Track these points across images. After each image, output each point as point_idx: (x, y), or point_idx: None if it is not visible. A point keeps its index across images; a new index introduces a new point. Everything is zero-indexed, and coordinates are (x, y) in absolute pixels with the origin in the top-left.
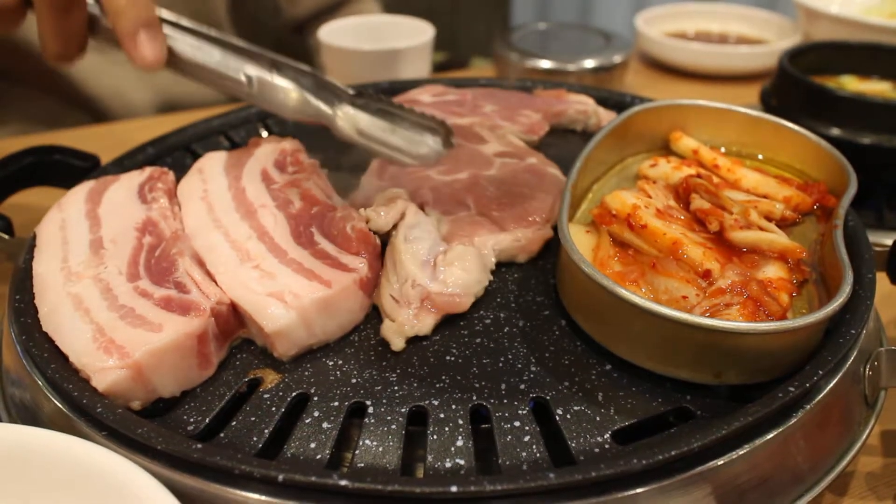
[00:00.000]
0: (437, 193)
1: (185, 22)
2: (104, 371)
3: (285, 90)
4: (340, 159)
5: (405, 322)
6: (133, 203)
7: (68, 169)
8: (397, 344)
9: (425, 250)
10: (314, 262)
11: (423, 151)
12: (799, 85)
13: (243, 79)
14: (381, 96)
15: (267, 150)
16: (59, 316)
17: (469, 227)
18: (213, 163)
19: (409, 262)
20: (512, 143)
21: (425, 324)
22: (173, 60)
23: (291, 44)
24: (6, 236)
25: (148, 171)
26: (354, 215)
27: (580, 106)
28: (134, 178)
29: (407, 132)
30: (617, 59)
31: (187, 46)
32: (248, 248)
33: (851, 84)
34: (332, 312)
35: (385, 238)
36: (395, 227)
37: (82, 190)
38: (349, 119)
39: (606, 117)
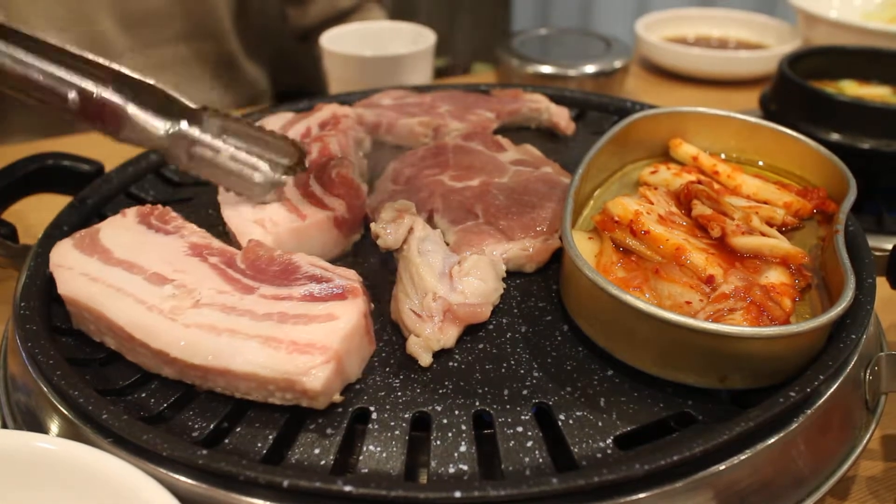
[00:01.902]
0: (447, 201)
1: (19, 28)
2: (315, 369)
3: (110, 108)
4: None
5: (431, 337)
6: (158, 238)
7: (72, 175)
8: (425, 359)
9: (440, 262)
10: (300, 199)
11: (255, 182)
12: (798, 90)
13: (69, 94)
14: (231, 115)
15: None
16: (205, 345)
17: (476, 236)
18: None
19: (428, 275)
20: (529, 151)
21: (450, 336)
22: None
23: (296, 51)
24: (10, 243)
25: (135, 210)
26: (345, 163)
27: (533, 104)
28: (128, 220)
29: (243, 159)
30: (617, 64)
31: (6, 59)
32: None
33: (851, 89)
34: (303, 241)
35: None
36: (404, 241)
37: (67, 248)
38: (180, 140)
39: (558, 113)
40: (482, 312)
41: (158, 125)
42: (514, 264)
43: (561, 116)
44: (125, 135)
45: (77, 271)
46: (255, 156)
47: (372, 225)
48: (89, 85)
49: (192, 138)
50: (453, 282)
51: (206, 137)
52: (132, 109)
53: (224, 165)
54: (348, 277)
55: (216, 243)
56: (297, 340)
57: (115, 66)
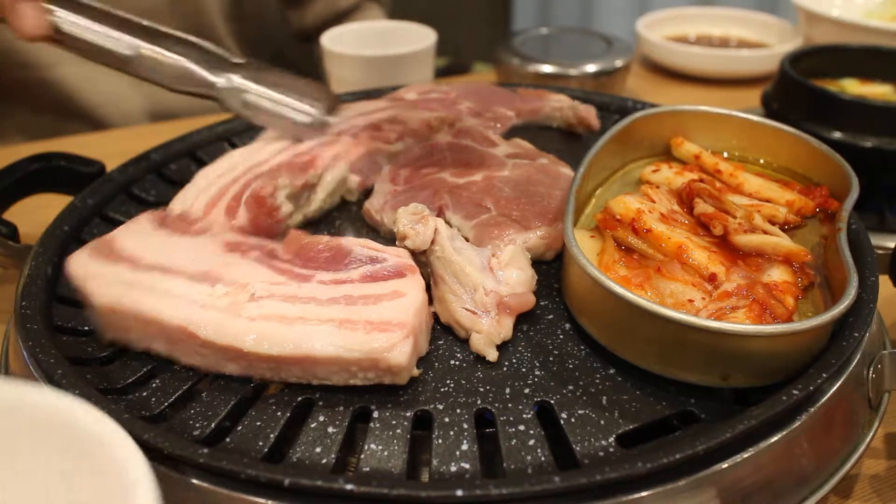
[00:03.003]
0: (455, 197)
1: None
2: (399, 345)
3: (168, 63)
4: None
5: (492, 331)
6: (185, 240)
7: (73, 175)
8: (492, 354)
9: (476, 257)
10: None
11: (305, 120)
12: (800, 88)
13: (126, 52)
14: (265, 65)
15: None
16: (279, 335)
17: (496, 228)
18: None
19: (473, 272)
20: (520, 144)
21: (507, 328)
22: (57, 34)
23: (295, 53)
24: (12, 243)
25: (147, 215)
26: (268, 183)
27: (556, 103)
28: (143, 226)
29: (290, 101)
30: (618, 63)
31: (69, 21)
32: None
33: (852, 87)
34: None
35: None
36: (432, 241)
37: (86, 259)
38: (234, 91)
39: (587, 110)
40: (530, 300)
41: (213, 79)
42: (535, 253)
43: (590, 113)
44: (183, 87)
45: (110, 279)
46: (297, 99)
47: (399, 225)
48: (139, 42)
49: (243, 89)
50: (495, 274)
51: (256, 87)
52: (189, 64)
53: (274, 111)
54: (400, 255)
55: (251, 239)
56: (371, 320)
57: (164, 28)
